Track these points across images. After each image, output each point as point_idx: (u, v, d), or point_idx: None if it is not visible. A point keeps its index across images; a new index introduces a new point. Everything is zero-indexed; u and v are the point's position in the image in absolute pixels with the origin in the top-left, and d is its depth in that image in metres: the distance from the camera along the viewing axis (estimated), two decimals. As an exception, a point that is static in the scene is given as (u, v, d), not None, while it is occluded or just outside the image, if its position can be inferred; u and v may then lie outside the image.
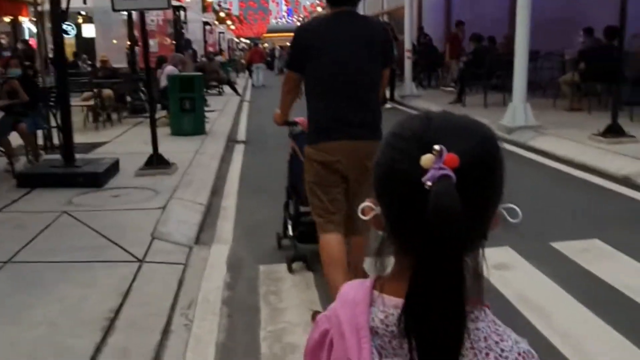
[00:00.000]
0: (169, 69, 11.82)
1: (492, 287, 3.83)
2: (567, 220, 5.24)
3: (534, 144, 8.44)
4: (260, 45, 29.93)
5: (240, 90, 20.98)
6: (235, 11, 74.22)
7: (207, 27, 23.88)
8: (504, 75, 12.58)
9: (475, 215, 0.79)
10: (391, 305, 0.83)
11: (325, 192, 3.30)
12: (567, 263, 4.23)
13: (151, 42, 13.25)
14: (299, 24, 69.31)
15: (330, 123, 3.21)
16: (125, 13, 12.88)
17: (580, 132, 8.46)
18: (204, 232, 5.20)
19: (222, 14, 45.22)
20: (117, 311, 3.47)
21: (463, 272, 0.77)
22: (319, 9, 43.59)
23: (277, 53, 42.23)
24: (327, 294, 3.74)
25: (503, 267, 4.09)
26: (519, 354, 0.81)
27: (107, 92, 12.17)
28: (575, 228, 4.97)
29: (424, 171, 0.75)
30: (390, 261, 0.88)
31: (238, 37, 62.92)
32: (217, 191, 6.63)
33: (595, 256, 4.34)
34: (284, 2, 60.41)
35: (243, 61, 31.89)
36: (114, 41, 16.96)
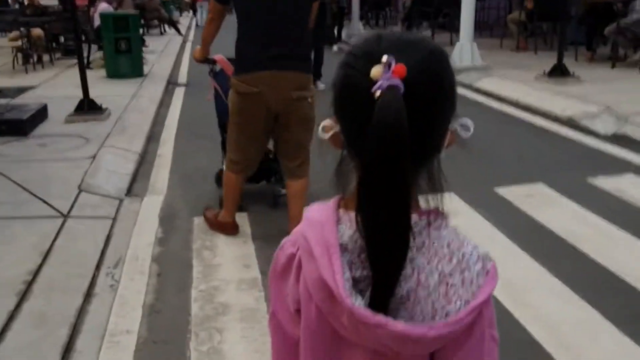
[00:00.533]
0: (103, 6, 11.14)
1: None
2: (512, 164, 5.16)
3: (481, 85, 8.33)
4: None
5: (183, 30, 20.17)
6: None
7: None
8: (452, 14, 12.43)
9: (425, 127, 0.82)
10: (346, 217, 0.88)
11: (244, 130, 3.34)
12: (512, 210, 4.15)
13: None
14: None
15: (254, 54, 3.20)
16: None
17: (526, 73, 8.39)
18: (137, 182, 4.91)
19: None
20: (36, 273, 3.20)
21: (407, 182, 0.78)
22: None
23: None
24: (264, 249, 3.57)
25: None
26: (478, 257, 0.85)
27: (37, 31, 11.41)
28: (520, 172, 4.89)
29: (374, 83, 0.78)
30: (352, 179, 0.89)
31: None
32: (153, 137, 6.29)
33: (540, 202, 4.27)
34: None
35: (186, -1, 30.64)
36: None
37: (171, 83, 9.94)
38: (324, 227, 0.86)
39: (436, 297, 0.83)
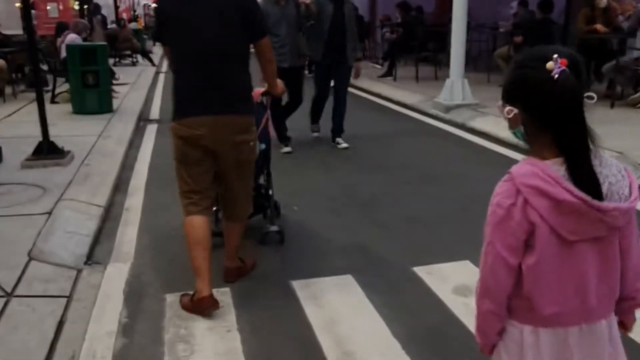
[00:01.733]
0: (71, 37, 10.47)
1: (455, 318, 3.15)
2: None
3: (475, 124, 7.86)
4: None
5: (156, 60, 19.55)
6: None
7: (119, -9, 22.08)
8: (435, 47, 12.04)
9: (583, 89, 1.41)
10: (551, 164, 1.42)
11: (190, 170, 3.25)
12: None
13: (49, 5, 11.78)
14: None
15: (191, 98, 3.15)
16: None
17: (521, 112, 7.97)
18: (100, 245, 4.24)
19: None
20: (-38, 383, 2.53)
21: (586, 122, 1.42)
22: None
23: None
24: (251, 340, 2.93)
25: (466, 290, 3.40)
26: (624, 169, 1.49)
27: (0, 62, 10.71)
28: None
29: (549, 71, 1.37)
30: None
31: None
32: (120, 186, 5.62)
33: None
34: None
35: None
36: (17, 5, 15.11)
37: (142, 120, 9.29)
38: (541, 172, 1.40)
39: (617, 189, 1.43)
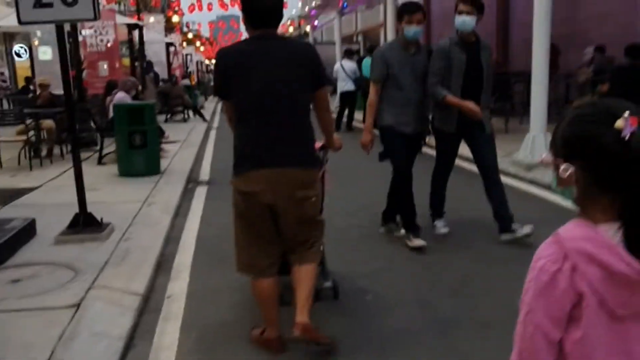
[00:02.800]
0: (119, 96, 10.05)
1: None
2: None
3: (564, 185, 6.85)
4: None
5: (208, 116, 19.27)
6: (205, 32, 72.47)
7: (172, 49, 22.14)
8: (501, 97, 11.15)
9: None
10: (605, 229, 1.24)
11: (250, 228, 3.16)
12: None
13: (100, 64, 11.49)
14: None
15: (253, 150, 3.05)
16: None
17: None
18: (134, 349, 3.44)
19: (190, 35, 43.57)
20: None
21: None
22: (290, 29, 42.25)
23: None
24: None
25: None
26: None
27: (48, 123, 10.38)
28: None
29: (618, 131, 1.18)
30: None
31: (209, 59, 61.18)
32: (163, 265, 4.87)
33: None
34: (254, 23, 59.11)
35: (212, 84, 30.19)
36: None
37: (192, 181, 8.66)
38: (594, 237, 1.23)
39: None
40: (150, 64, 18.27)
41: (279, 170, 3.00)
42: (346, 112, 14.16)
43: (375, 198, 6.47)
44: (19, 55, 22.68)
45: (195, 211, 6.80)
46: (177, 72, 24.56)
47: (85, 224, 5.29)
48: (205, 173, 9.33)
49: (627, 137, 1.17)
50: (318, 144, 3.48)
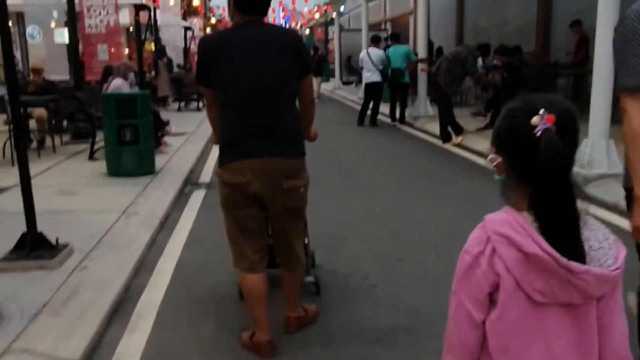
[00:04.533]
0: (116, 83, 8.98)
1: None
2: None
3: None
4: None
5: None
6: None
7: (189, 33, 21.04)
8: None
9: (571, 151, 1.31)
10: (527, 215, 1.31)
11: (238, 219, 3.05)
12: None
13: (99, 47, 10.44)
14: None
15: (238, 140, 2.93)
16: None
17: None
18: None
19: (213, 20, 42.49)
20: None
21: (572, 186, 1.29)
22: (317, 15, 40.92)
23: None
24: None
25: None
26: (608, 232, 1.37)
27: (39, 112, 9.39)
28: None
29: (534, 127, 1.26)
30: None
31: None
32: (122, 309, 3.76)
33: None
34: (280, 10, 57.83)
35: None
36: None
37: (190, 183, 7.57)
38: (514, 221, 1.29)
39: (599, 256, 1.31)
40: (163, 49, 17.21)
41: (264, 160, 2.90)
42: (370, 105, 12.92)
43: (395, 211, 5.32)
44: (32, 37, 21.87)
45: (184, 224, 5.70)
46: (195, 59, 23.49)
47: (33, 246, 4.21)
48: (207, 173, 8.22)
49: (538, 134, 1.26)
50: None
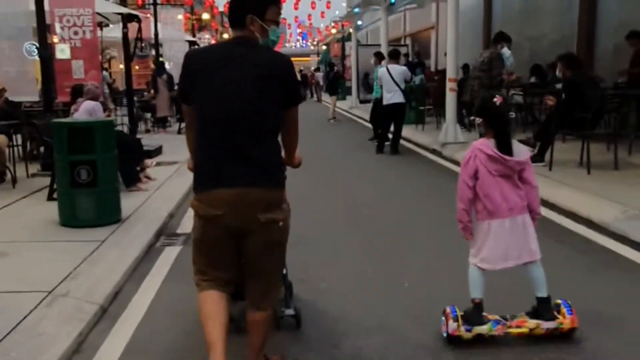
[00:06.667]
0: (87, 106, 7.46)
1: None
2: None
3: None
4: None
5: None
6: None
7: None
8: (597, 117, 8.07)
9: (508, 113, 3.55)
10: (490, 140, 3.40)
11: (210, 253, 2.88)
12: None
13: (74, 63, 8.93)
14: (312, 48, 65.33)
15: (213, 167, 2.75)
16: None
17: None
18: None
19: (225, 35, 41.25)
20: None
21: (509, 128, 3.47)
22: (334, 31, 39.56)
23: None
24: None
25: None
26: (527, 150, 3.58)
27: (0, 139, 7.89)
28: None
29: (495, 102, 3.43)
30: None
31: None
32: None
33: None
34: (297, 26, 56.69)
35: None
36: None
37: (165, 234, 5.97)
38: (485, 143, 3.36)
39: (518, 154, 3.36)
40: (162, 65, 15.76)
41: (239, 190, 2.70)
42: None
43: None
44: (30, 54, 20.58)
45: (135, 309, 4.07)
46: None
47: None
48: (188, 217, 6.60)
49: (497, 104, 3.38)
50: None
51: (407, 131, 11.82)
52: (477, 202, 3.37)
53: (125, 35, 10.31)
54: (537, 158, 8.27)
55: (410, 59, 21.05)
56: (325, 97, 26.97)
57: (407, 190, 8.00)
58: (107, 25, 13.38)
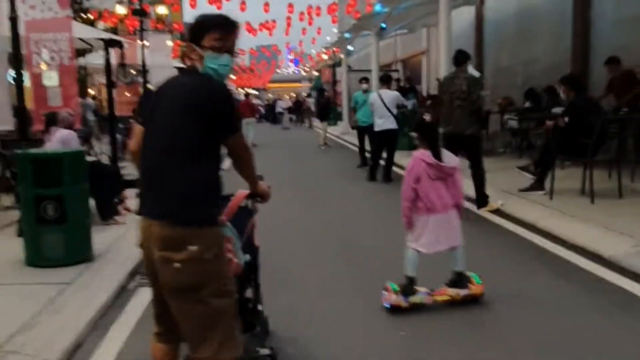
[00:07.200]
0: (62, 135, 7.04)
1: None
2: None
3: None
4: (250, 97, 25.32)
5: (224, 151, 16.28)
6: (247, 61, 70.18)
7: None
8: (600, 142, 7.68)
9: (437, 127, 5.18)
10: (427, 151, 4.38)
11: (153, 291, 2.75)
12: None
13: (50, 90, 8.51)
14: (304, 74, 65.44)
15: (141, 192, 2.72)
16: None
17: None
18: None
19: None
20: None
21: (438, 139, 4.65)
22: (324, 57, 39.46)
23: (282, 104, 37.83)
24: None
25: None
26: (454, 156, 4.60)
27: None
28: None
29: (425, 119, 5.26)
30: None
31: (242, 88, 58.84)
32: None
33: None
34: (287, 52, 56.65)
35: (234, 115, 27.20)
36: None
37: (140, 273, 5.50)
38: (424, 153, 4.32)
39: (448, 161, 4.36)
40: (149, 92, 15.39)
41: (149, 221, 2.57)
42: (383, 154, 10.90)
43: None
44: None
45: (97, 365, 3.60)
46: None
47: None
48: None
49: (426, 120, 4.93)
50: (243, 193, 3.08)
51: (399, 158, 11.44)
52: (417, 200, 4.32)
53: (107, 61, 9.92)
54: (536, 186, 7.88)
55: (401, 84, 20.76)
56: (317, 122, 26.68)
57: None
58: (91, 51, 13.00)
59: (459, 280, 4.41)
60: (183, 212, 2.53)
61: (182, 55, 2.93)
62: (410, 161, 4.38)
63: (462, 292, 4.38)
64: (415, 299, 4.31)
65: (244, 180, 3.01)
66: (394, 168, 11.15)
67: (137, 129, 2.81)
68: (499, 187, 8.33)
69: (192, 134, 2.59)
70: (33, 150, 5.65)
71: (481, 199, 7.56)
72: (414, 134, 4.52)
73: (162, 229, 2.51)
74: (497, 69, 17.43)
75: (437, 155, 4.28)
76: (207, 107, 2.60)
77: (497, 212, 7.47)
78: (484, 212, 7.52)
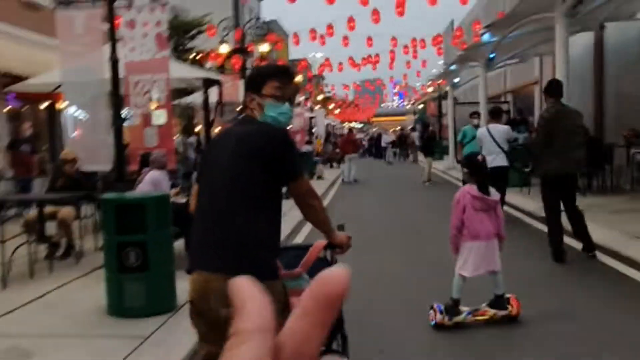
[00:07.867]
0: (153, 176, 6.91)
1: None
2: None
3: None
4: (353, 132, 25.04)
5: (324, 188, 16.06)
6: (351, 95, 70.70)
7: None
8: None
9: (487, 169, 6.50)
10: (474, 185, 5.01)
11: (203, 348, 2.57)
12: None
13: (147, 131, 8.48)
14: (408, 107, 64.72)
15: (194, 245, 2.65)
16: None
17: None
18: None
19: (319, 97, 41.40)
20: None
21: (487, 177, 5.73)
22: (430, 90, 38.70)
23: (386, 139, 37.28)
24: None
25: None
26: (495, 191, 5.28)
27: (65, 212, 7.46)
28: None
29: (478, 160, 6.08)
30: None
31: (346, 122, 59.02)
32: None
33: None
34: (392, 85, 56.38)
35: (337, 150, 27.06)
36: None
37: (224, 326, 5.10)
38: (470, 187, 4.93)
39: (493, 195, 4.97)
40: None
41: (206, 275, 2.43)
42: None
43: None
44: (123, 119, 21.07)
45: None
46: (298, 137, 21.72)
47: None
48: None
49: (480, 160, 5.78)
50: (321, 243, 2.93)
51: (510, 196, 10.53)
52: (464, 229, 4.83)
53: (205, 100, 9.88)
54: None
55: (511, 116, 19.66)
56: (421, 157, 25.94)
57: (514, 275, 6.70)
58: (193, 91, 13.17)
59: (499, 302, 4.87)
60: (249, 264, 2.37)
61: (242, 107, 2.75)
62: (458, 193, 4.99)
63: (501, 312, 4.86)
64: (458, 318, 4.83)
65: (316, 227, 2.85)
66: (506, 207, 10.23)
67: (195, 189, 2.76)
68: (626, 230, 7.31)
69: (253, 180, 2.51)
70: (115, 195, 5.44)
71: (591, 242, 6.78)
72: (464, 169, 5.45)
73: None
74: (621, 97, 16.01)
75: (484, 189, 4.89)
76: (267, 151, 2.51)
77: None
78: (607, 259, 6.60)
